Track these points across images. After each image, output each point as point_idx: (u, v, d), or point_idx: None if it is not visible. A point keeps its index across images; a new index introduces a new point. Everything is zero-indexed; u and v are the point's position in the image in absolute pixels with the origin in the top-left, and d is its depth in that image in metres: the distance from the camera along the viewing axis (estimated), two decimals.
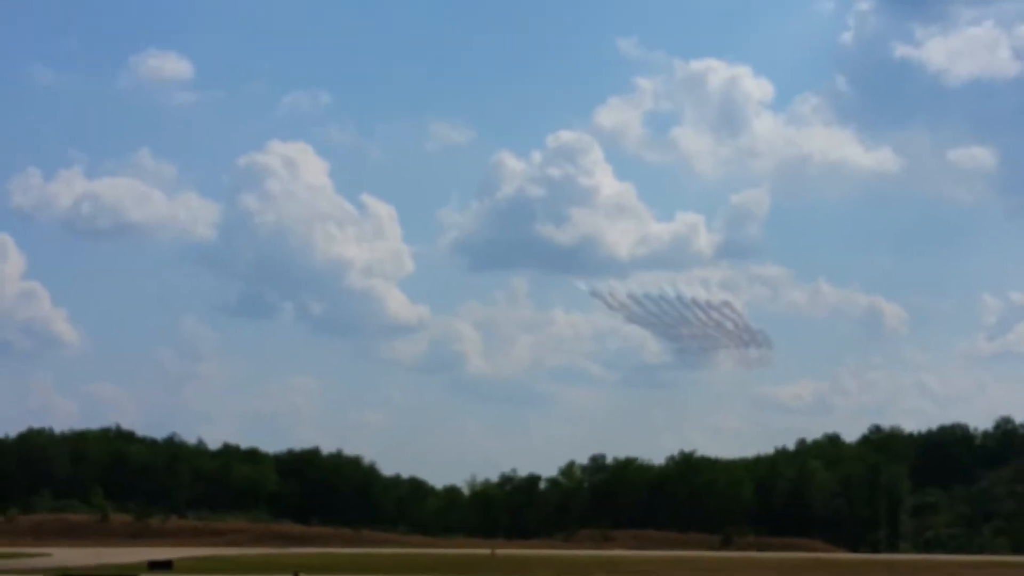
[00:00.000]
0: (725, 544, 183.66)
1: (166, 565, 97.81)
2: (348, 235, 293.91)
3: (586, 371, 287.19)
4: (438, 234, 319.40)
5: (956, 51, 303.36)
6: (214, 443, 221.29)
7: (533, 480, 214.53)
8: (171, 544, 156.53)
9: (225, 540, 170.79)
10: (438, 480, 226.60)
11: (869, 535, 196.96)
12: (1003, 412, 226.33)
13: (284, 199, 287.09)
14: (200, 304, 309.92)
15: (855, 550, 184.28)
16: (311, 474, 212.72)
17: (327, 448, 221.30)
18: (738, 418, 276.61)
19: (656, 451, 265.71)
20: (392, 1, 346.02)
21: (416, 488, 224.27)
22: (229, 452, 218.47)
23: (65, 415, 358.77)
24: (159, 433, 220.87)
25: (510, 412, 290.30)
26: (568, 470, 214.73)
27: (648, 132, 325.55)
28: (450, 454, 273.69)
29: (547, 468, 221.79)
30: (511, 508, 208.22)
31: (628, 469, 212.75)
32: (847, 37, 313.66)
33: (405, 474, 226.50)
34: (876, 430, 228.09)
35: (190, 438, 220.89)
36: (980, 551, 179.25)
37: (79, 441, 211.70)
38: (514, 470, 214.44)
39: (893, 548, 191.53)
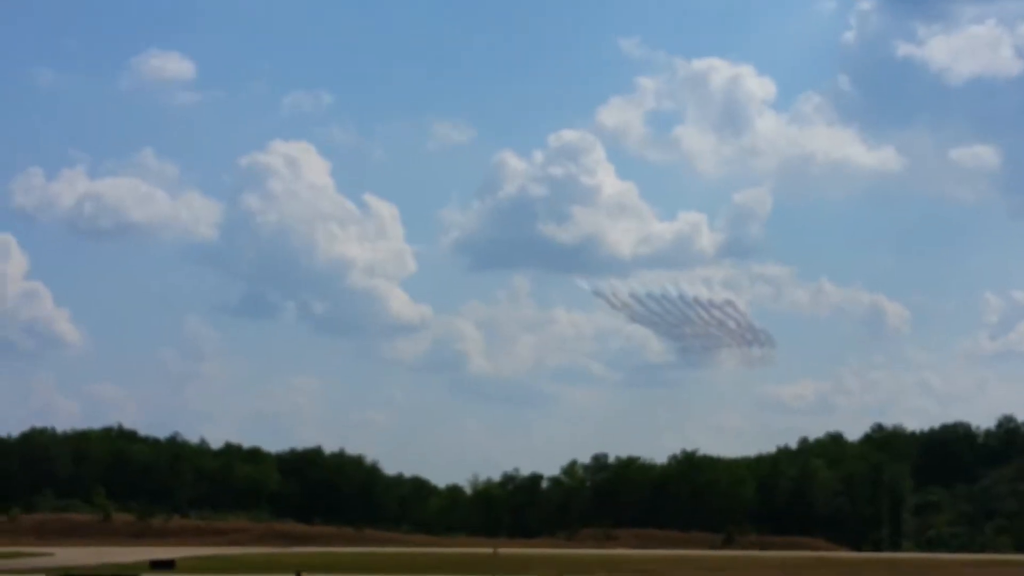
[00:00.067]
0: (727, 543, 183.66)
1: (168, 565, 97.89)
2: (350, 235, 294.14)
3: (588, 370, 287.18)
4: (440, 233, 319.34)
5: (958, 50, 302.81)
6: (216, 443, 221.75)
7: (535, 479, 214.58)
8: (173, 544, 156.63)
9: (227, 540, 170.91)
10: (440, 479, 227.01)
11: (871, 534, 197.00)
12: (1005, 411, 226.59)
13: (286, 199, 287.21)
14: (202, 304, 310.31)
15: (857, 549, 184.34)
16: (313, 473, 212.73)
17: (329, 447, 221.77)
18: (740, 417, 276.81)
19: (658, 450, 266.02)
20: (393, 1, 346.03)
21: (418, 487, 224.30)
22: (231, 451, 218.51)
23: (67, 415, 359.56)
24: (161, 433, 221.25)
25: (512, 411, 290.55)
26: (570, 469, 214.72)
27: (650, 131, 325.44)
28: (452, 453, 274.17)
29: (549, 467, 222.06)
30: (513, 507, 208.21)
31: (630, 468, 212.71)
32: (849, 36, 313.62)
33: (407, 473, 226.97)
34: (878, 429, 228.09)
35: (192, 438, 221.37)
36: (982, 550, 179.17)
37: (81, 441, 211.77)
38: (516, 469, 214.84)
39: (895, 547, 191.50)
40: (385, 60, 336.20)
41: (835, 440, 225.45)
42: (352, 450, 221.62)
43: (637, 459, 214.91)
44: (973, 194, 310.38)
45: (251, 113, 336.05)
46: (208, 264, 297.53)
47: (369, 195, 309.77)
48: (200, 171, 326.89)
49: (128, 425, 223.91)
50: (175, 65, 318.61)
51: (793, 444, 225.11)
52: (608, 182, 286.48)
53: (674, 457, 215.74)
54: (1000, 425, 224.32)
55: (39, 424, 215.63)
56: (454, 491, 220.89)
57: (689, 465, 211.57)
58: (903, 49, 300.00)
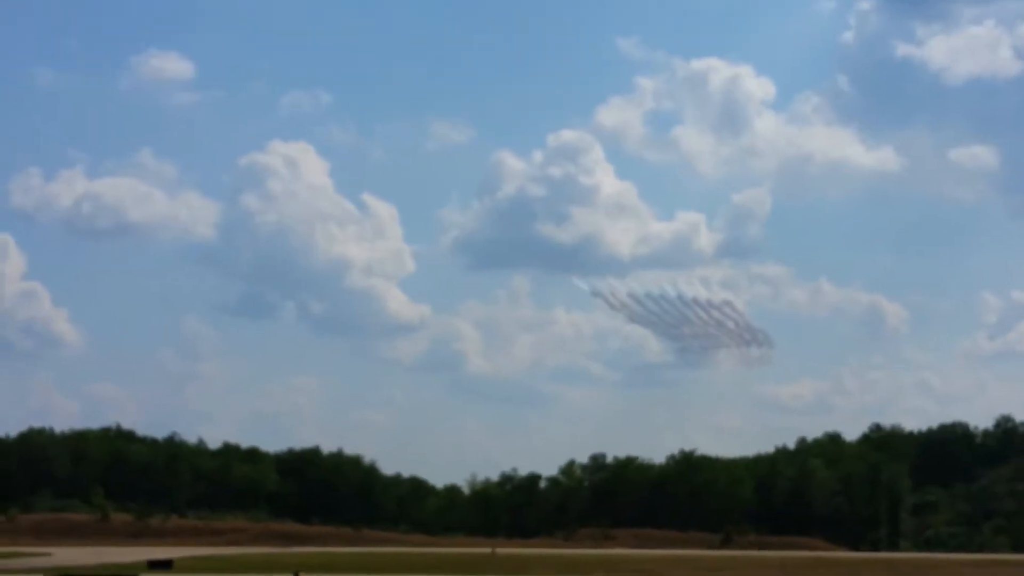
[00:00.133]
0: (725, 543, 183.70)
1: (166, 565, 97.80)
2: (349, 235, 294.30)
3: (587, 370, 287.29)
4: (439, 233, 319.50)
5: (957, 50, 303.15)
6: (214, 443, 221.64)
7: (533, 479, 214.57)
8: (171, 544, 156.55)
9: (225, 539, 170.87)
10: (438, 479, 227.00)
11: (870, 534, 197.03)
12: (1004, 411, 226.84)
13: (285, 199, 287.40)
14: (201, 304, 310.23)
15: (856, 549, 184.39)
16: (311, 473, 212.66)
17: (327, 447, 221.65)
18: (739, 417, 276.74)
19: (657, 450, 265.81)
20: (392, 1, 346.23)
21: (416, 487, 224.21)
22: (229, 451, 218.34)
23: (66, 415, 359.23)
24: (159, 433, 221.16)
25: (511, 411, 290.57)
26: (568, 469, 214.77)
27: (649, 131, 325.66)
28: (450, 453, 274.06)
29: (547, 467, 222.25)
30: (511, 507, 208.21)
31: (628, 468, 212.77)
32: (848, 36, 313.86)
33: (405, 473, 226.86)
34: (877, 429, 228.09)
35: (191, 438, 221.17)
36: (980, 550, 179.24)
37: (79, 441, 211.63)
38: (514, 469, 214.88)
39: (894, 547, 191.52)
40: (384, 60, 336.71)
41: (833, 440, 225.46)
42: (350, 450, 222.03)
43: (635, 459, 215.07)
44: (972, 194, 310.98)
45: (250, 113, 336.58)
46: (207, 264, 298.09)
47: (368, 195, 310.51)
48: (199, 171, 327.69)
49: (126, 425, 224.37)
50: (174, 65, 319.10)
51: (791, 444, 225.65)
52: (607, 182, 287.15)
53: (672, 457, 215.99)
54: (998, 425, 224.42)
55: (37, 424, 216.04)
56: (452, 491, 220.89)
57: (687, 465, 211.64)
58: (902, 49, 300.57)
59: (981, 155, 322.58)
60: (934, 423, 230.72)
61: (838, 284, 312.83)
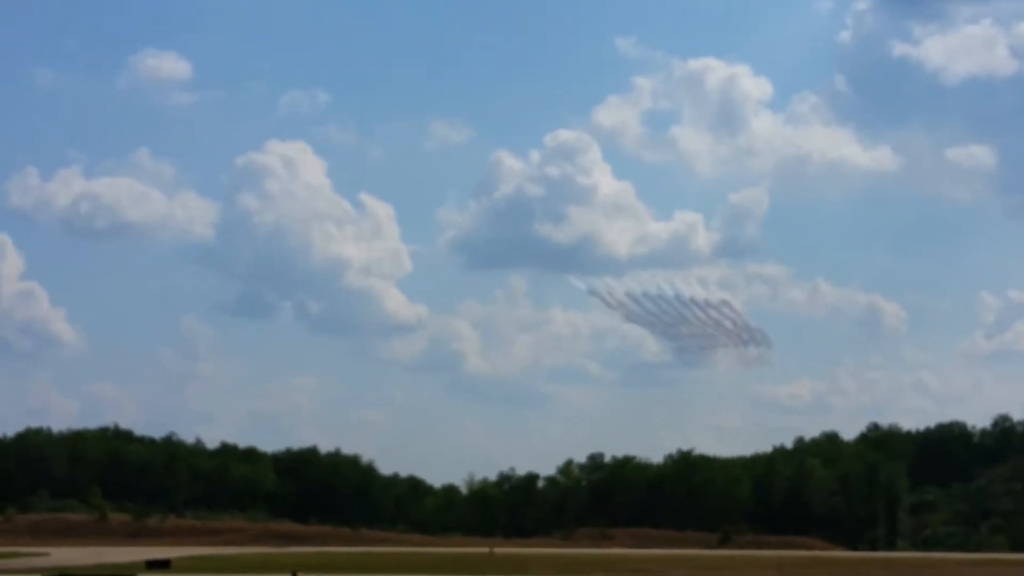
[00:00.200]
0: (723, 542, 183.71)
1: (164, 564, 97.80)
2: (346, 234, 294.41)
3: (584, 370, 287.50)
4: (436, 233, 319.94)
5: (954, 49, 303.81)
6: (212, 442, 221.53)
7: (531, 479, 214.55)
8: (169, 543, 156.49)
9: (223, 539, 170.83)
10: (436, 479, 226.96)
11: (867, 533, 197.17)
12: (1001, 410, 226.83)
13: (283, 199, 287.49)
14: (199, 303, 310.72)
15: (853, 548, 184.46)
16: (309, 473, 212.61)
17: (325, 447, 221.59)
18: (737, 417, 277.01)
19: (654, 450, 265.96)
20: (391, 1, 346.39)
21: (414, 487, 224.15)
22: (227, 451, 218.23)
23: (64, 415, 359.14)
24: (157, 433, 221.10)
25: (508, 411, 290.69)
26: (566, 469, 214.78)
27: (647, 131, 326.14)
28: (448, 453, 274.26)
29: (545, 467, 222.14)
30: (509, 507, 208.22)
31: (626, 468, 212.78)
32: (845, 36, 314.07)
33: (403, 473, 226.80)
34: (874, 428, 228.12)
35: (189, 438, 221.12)
36: (978, 549, 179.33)
37: (77, 441, 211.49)
38: (512, 469, 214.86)
39: (891, 546, 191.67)
40: (382, 60, 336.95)
41: (831, 440, 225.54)
42: (348, 450, 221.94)
43: (633, 459, 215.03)
44: (969, 194, 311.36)
45: (248, 113, 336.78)
46: (204, 264, 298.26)
47: (365, 195, 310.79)
48: (197, 171, 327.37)
49: (124, 425, 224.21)
50: (172, 65, 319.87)
51: (789, 444, 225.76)
52: (604, 182, 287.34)
53: (670, 457, 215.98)
54: (996, 425, 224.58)
55: (35, 424, 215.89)
56: (450, 491, 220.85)
57: (685, 464, 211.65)
58: (899, 49, 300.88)
59: (978, 154, 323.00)
60: (932, 423, 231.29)
61: (836, 284, 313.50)
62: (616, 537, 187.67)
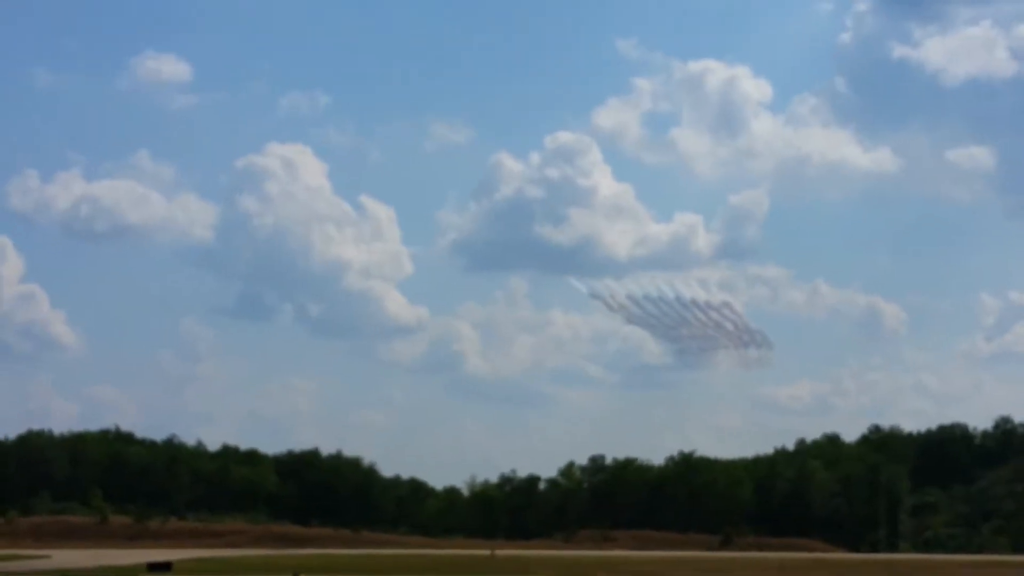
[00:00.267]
0: (725, 544, 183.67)
1: (165, 567, 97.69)
2: (346, 236, 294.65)
3: (585, 372, 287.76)
4: (437, 235, 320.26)
5: (954, 51, 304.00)
6: (213, 444, 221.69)
7: (533, 481, 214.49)
8: (170, 546, 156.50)
9: (224, 541, 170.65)
10: (438, 481, 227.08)
11: (868, 535, 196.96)
12: (1002, 412, 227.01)
13: (283, 201, 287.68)
14: (199, 305, 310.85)
15: (855, 550, 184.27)
16: (310, 475, 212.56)
17: (326, 449, 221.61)
18: (738, 419, 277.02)
19: (656, 452, 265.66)
20: (391, 1, 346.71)
21: (416, 489, 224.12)
22: (228, 453, 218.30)
23: (65, 417, 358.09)
24: (158, 435, 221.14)
25: (509, 413, 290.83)
26: (568, 471, 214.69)
27: (647, 133, 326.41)
28: (450, 455, 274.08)
29: (547, 469, 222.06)
30: (511, 509, 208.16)
31: (627, 470, 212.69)
32: (845, 37, 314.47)
33: (405, 475, 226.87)
34: (875, 430, 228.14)
35: (189, 440, 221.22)
36: (979, 551, 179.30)
37: (78, 443, 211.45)
38: (514, 471, 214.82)
39: (893, 548, 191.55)
40: (382, 61, 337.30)
41: (832, 441, 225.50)
42: (349, 452, 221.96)
43: (634, 460, 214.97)
44: (969, 195, 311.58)
45: (248, 115, 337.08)
46: (204, 266, 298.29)
47: (365, 197, 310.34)
48: (197, 173, 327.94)
49: (125, 427, 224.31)
50: (172, 67, 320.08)
51: (790, 445, 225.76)
52: (604, 184, 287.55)
53: (671, 458, 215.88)
54: (997, 426, 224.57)
55: (36, 426, 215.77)
56: (451, 493, 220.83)
57: (686, 466, 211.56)
58: (899, 51, 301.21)
59: (978, 156, 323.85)
60: (933, 424, 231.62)
61: (836, 285, 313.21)
62: (617, 539, 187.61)
